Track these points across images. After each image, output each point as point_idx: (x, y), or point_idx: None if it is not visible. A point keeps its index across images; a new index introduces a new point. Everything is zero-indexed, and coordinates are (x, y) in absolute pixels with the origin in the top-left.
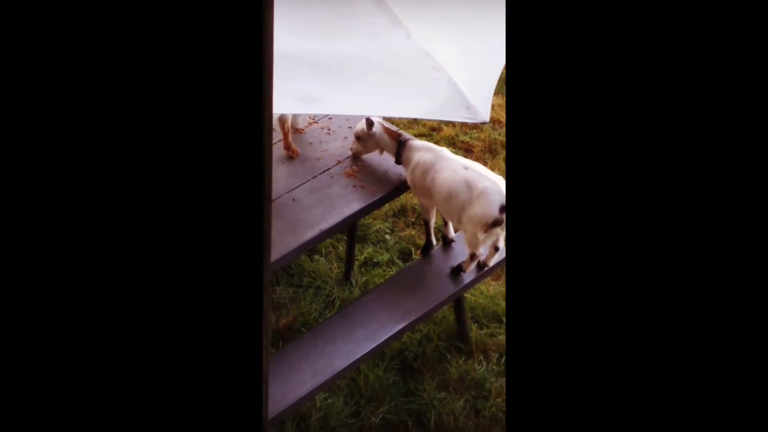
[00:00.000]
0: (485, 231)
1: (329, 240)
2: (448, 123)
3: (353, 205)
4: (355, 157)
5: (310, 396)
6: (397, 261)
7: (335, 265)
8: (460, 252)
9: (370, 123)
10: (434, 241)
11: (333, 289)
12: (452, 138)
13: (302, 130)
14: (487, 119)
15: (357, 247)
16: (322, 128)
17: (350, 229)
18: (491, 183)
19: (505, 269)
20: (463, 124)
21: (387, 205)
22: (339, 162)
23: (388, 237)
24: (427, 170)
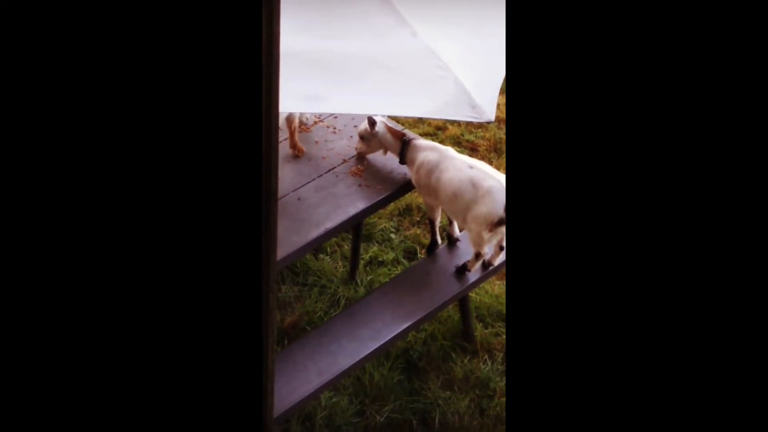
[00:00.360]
0: (490, 230)
1: (334, 239)
2: (453, 122)
3: (358, 204)
4: (360, 157)
5: (315, 395)
6: (402, 260)
7: (340, 264)
8: (465, 251)
9: (372, 122)
10: (439, 240)
11: (338, 287)
12: (457, 137)
13: (308, 128)
14: (493, 118)
15: (362, 246)
16: (328, 127)
17: (355, 228)
18: (496, 182)
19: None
20: (469, 123)
21: (392, 204)
22: (344, 161)
23: (393, 236)
24: (432, 169)
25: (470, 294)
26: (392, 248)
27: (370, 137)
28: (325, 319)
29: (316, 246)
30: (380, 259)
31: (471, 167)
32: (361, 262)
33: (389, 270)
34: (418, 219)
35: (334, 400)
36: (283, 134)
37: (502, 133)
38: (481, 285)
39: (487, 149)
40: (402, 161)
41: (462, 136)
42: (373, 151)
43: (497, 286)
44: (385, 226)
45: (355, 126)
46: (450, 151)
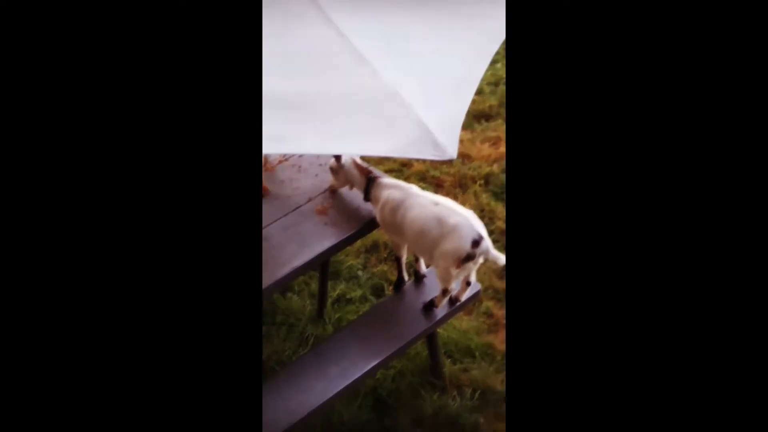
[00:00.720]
0: (458, 266)
1: (302, 277)
2: (417, 159)
3: (325, 242)
4: (332, 191)
5: None
6: (370, 297)
7: (308, 302)
8: (431, 287)
9: (337, 155)
10: (406, 277)
11: (306, 326)
12: (423, 173)
13: (273, 167)
14: (455, 156)
15: (330, 283)
16: (293, 166)
17: (322, 265)
18: (462, 218)
19: (476, 304)
20: (434, 160)
21: (359, 241)
22: (310, 199)
23: (360, 273)
24: (396, 207)
25: (438, 330)
26: (360, 285)
27: (337, 170)
28: (294, 359)
29: (284, 285)
30: (348, 297)
31: (436, 204)
32: (329, 299)
33: (357, 307)
34: (385, 256)
35: None
36: None
37: (466, 169)
38: (448, 321)
39: (452, 185)
40: (366, 198)
41: (427, 172)
42: (342, 185)
43: (465, 322)
44: (352, 264)
45: (321, 165)
46: (414, 188)
